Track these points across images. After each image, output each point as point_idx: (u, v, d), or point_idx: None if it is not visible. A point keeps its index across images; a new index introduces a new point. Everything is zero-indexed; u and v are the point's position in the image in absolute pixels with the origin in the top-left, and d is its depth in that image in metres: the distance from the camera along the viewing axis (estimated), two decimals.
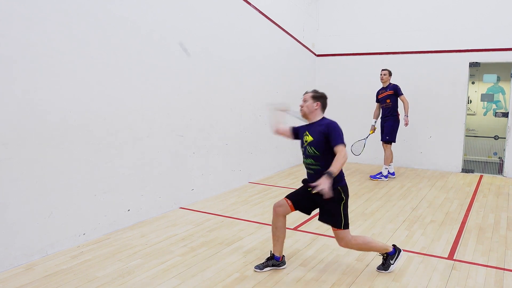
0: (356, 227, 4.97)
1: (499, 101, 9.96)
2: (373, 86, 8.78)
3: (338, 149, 3.44)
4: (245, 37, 6.94)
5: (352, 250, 4.24)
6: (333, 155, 3.48)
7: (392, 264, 3.77)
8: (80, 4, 4.22)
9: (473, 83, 9.92)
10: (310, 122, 3.75)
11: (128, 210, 4.90)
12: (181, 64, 5.55)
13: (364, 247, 3.71)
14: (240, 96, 6.88)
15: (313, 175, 3.62)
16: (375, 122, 7.77)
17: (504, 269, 3.85)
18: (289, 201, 3.73)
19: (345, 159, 3.42)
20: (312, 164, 3.64)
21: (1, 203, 3.64)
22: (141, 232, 4.70)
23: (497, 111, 9.67)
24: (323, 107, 3.77)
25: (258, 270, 3.76)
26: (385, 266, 3.77)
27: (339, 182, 3.54)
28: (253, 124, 7.29)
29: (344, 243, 3.63)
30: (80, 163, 4.29)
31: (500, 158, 8.96)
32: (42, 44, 3.89)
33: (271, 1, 7.64)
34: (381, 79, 7.58)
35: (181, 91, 5.59)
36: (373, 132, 7.75)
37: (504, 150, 7.98)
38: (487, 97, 9.67)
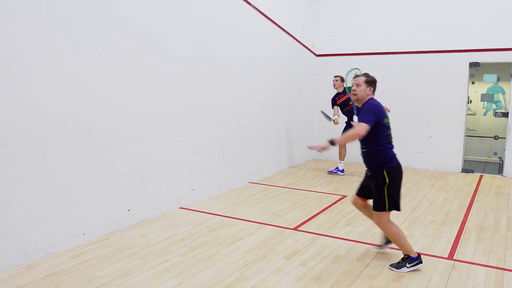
0: (356, 227, 4.97)
1: (499, 101, 9.96)
2: None
3: (357, 125, 3.55)
4: (245, 37, 6.94)
5: (353, 250, 4.24)
6: (374, 138, 3.64)
7: (407, 268, 3.75)
8: (80, 4, 4.22)
9: (473, 83, 9.92)
10: (359, 106, 3.83)
11: (128, 210, 4.90)
12: (181, 64, 5.55)
13: (390, 237, 3.77)
14: (240, 96, 6.89)
15: (363, 157, 3.83)
16: (337, 118, 7.80)
17: (504, 269, 3.85)
18: (357, 197, 4.06)
19: (355, 136, 3.54)
20: (362, 148, 3.81)
21: (1, 203, 3.64)
22: (141, 232, 4.70)
23: (497, 111, 9.67)
24: (374, 91, 3.82)
25: (379, 250, 4.20)
26: (399, 265, 3.78)
27: (384, 164, 3.68)
28: (253, 124, 7.29)
29: (378, 222, 3.78)
30: (80, 163, 4.29)
31: (500, 158, 8.96)
32: (42, 44, 3.89)
33: (271, 1, 7.64)
34: (334, 85, 7.86)
35: (181, 91, 5.59)
36: (336, 124, 7.76)
37: (504, 150, 7.98)
38: (487, 97, 9.67)
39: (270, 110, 7.81)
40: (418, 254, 3.82)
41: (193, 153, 5.90)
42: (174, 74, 5.45)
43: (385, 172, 3.67)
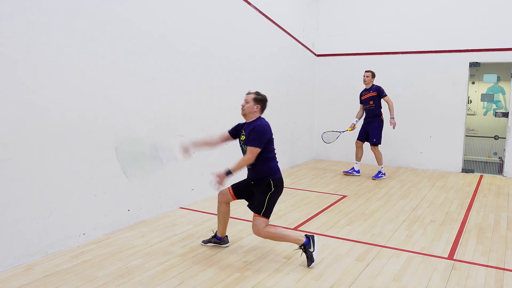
0: (356, 227, 4.97)
1: (499, 101, 9.95)
2: None
3: (250, 150, 3.76)
4: (245, 37, 6.93)
5: (353, 250, 4.24)
6: (263, 153, 3.80)
7: (313, 251, 3.81)
8: (81, 4, 4.22)
9: (473, 83, 9.91)
10: (247, 121, 3.99)
11: (128, 210, 4.90)
12: (181, 64, 5.55)
13: (277, 239, 3.86)
14: (240, 96, 6.84)
15: (250, 170, 3.97)
16: (357, 121, 7.83)
17: (504, 269, 3.86)
18: (231, 190, 4.12)
19: (247, 162, 3.77)
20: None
21: (1, 203, 3.64)
22: (141, 232, 4.70)
23: (497, 111, 9.67)
24: (263, 109, 4.03)
25: (203, 244, 4.30)
26: (308, 258, 3.81)
27: (272, 175, 3.85)
28: None
29: (256, 230, 3.83)
30: (80, 163, 4.29)
31: (500, 158, 8.96)
32: (42, 44, 3.89)
33: (271, 1, 7.64)
34: (364, 80, 7.63)
35: (181, 91, 5.59)
36: (351, 130, 7.81)
37: (504, 150, 7.98)
38: (487, 97, 9.67)
39: (270, 110, 7.71)
40: (306, 235, 3.88)
41: (193, 153, 5.88)
42: (174, 74, 5.45)
43: (271, 182, 3.84)
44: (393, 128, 7.57)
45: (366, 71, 7.64)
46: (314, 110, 9.63)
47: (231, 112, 6.66)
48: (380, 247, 4.34)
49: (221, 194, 4.18)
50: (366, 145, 7.88)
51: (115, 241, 4.41)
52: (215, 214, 5.36)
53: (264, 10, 7.39)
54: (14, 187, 3.73)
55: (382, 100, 7.52)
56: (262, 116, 4.04)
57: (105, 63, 4.50)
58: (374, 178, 7.55)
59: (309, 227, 4.92)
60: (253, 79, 7.20)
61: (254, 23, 7.16)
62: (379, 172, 7.61)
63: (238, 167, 3.77)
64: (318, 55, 9.49)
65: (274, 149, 3.98)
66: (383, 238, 4.61)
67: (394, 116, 7.51)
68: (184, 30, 5.58)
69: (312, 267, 3.81)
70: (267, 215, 3.85)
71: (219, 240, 4.29)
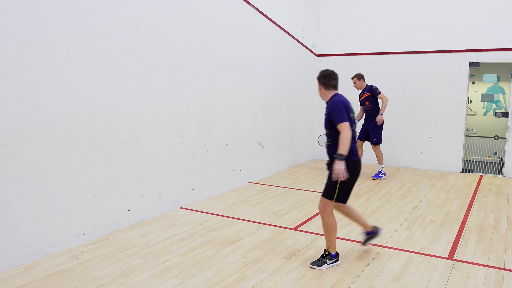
0: (356, 227, 4.97)
1: (499, 101, 9.95)
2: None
3: (339, 129, 3.62)
4: (245, 37, 6.94)
5: (353, 249, 4.24)
6: (339, 133, 3.67)
7: (327, 264, 3.83)
8: (81, 4, 4.22)
9: (473, 83, 9.92)
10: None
11: (128, 210, 4.90)
12: (181, 64, 5.55)
13: (326, 228, 3.83)
14: (240, 96, 6.89)
15: (328, 149, 3.88)
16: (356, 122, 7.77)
17: (504, 269, 3.86)
18: None
19: (348, 138, 3.59)
20: (327, 141, 3.88)
21: (1, 203, 3.64)
22: (141, 232, 4.70)
23: (497, 111, 9.67)
24: (325, 84, 3.87)
25: (363, 245, 4.23)
26: (319, 262, 3.83)
27: (348, 157, 3.69)
28: (253, 124, 7.29)
29: (323, 208, 3.82)
30: (80, 163, 4.30)
31: (500, 158, 8.96)
32: (43, 44, 3.89)
33: (271, 1, 7.64)
34: (354, 87, 7.64)
35: (181, 91, 5.59)
36: None
37: (504, 150, 7.98)
38: (487, 97, 9.67)
39: (270, 110, 7.81)
40: (337, 253, 3.92)
41: (193, 153, 5.90)
42: (174, 74, 5.45)
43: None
44: (377, 124, 7.46)
45: (351, 78, 7.64)
46: (314, 110, 9.63)
47: (231, 112, 6.67)
48: (380, 247, 4.34)
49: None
50: (367, 145, 7.88)
51: (115, 241, 4.41)
52: (215, 214, 5.37)
53: (264, 10, 7.39)
54: (14, 187, 3.73)
55: (378, 98, 7.52)
56: (339, 92, 3.92)
57: (105, 63, 4.51)
58: (374, 178, 7.56)
59: (309, 227, 4.92)
60: (253, 79, 7.21)
61: (254, 23, 7.16)
62: (379, 172, 7.62)
63: (343, 147, 3.56)
64: (318, 55, 9.49)
65: (353, 131, 3.79)
66: (383, 238, 4.61)
67: (383, 113, 7.45)
68: (184, 30, 5.58)
69: (312, 268, 3.81)
70: (339, 199, 3.77)
71: (371, 234, 4.20)
